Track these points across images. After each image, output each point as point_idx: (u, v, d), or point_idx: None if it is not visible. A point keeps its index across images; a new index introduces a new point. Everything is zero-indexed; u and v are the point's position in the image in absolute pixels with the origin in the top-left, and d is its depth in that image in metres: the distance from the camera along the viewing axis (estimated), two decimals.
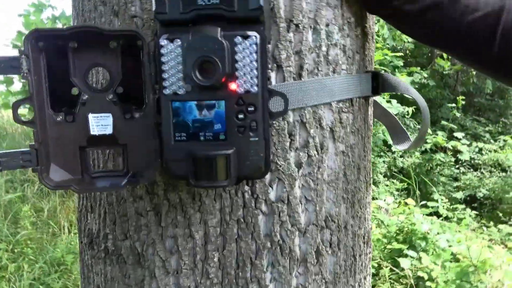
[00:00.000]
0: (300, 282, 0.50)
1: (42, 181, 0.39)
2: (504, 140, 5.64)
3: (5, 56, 0.37)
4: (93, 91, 0.41)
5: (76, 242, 3.57)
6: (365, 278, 0.63)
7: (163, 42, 0.37)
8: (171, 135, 0.38)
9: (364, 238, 0.61)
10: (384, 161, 5.69)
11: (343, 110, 0.52)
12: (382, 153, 5.92)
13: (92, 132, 0.41)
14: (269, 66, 0.45)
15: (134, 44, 0.40)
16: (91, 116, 0.41)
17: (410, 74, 5.79)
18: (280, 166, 0.48)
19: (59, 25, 5.72)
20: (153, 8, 0.37)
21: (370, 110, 0.63)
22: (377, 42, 5.63)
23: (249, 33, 0.36)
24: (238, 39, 0.36)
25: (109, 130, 0.41)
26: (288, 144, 0.48)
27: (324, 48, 0.49)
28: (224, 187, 0.37)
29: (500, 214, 4.36)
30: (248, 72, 0.37)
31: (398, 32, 5.93)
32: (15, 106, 0.38)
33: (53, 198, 4.72)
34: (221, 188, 0.43)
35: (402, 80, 0.59)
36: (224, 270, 0.49)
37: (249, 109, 0.37)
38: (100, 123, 0.41)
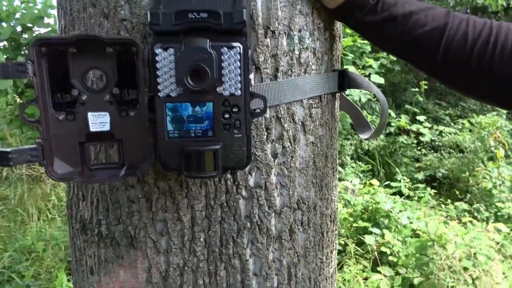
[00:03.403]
0: (276, 256, 0.58)
1: (48, 173, 0.43)
2: (463, 123, 5.97)
3: (13, 62, 0.41)
4: (91, 92, 0.45)
5: (46, 229, 3.51)
6: (331, 252, 0.71)
7: (157, 50, 0.42)
8: (165, 133, 0.43)
9: (331, 217, 0.69)
10: (351, 144, 5.88)
11: (313, 106, 0.59)
12: (349, 136, 6.11)
13: (91, 129, 0.45)
14: (250, 68, 0.51)
15: (128, 49, 0.44)
16: (90, 115, 0.45)
17: (377, 59, 5.96)
18: (258, 156, 0.54)
19: (16, 2, 5.44)
20: (148, 20, 0.42)
21: (337, 104, 0.70)
22: (347, 29, 5.74)
23: (234, 44, 0.41)
24: (224, 49, 0.41)
25: (106, 127, 0.46)
26: (265, 137, 0.55)
27: (297, 52, 0.55)
28: (212, 177, 0.43)
29: (457, 192, 4.65)
30: (232, 78, 0.42)
31: None
32: (22, 107, 0.42)
33: (20, 186, 4.58)
34: (209, 178, 0.49)
35: (365, 78, 0.67)
36: (210, 248, 0.56)
37: (234, 109, 0.43)
38: (98, 121, 0.46)
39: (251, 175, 0.55)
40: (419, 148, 6.10)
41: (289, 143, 0.56)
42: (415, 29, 0.55)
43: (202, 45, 0.40)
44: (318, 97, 0.60)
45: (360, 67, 4.74)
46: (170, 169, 0.45)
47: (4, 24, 5.59)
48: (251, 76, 0.52)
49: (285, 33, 0.54)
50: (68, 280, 2.69)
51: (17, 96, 5.65)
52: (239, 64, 0.42)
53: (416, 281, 2.63)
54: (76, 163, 0.46)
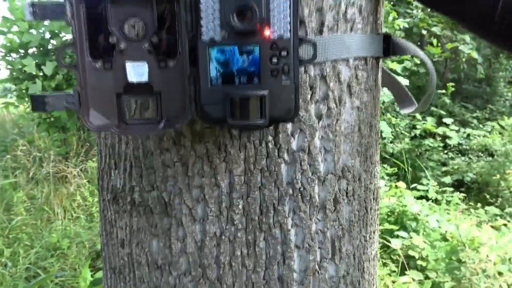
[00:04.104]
0: (319, 228, 0.54)
1: (84, 123, 0.41)
2: (492, 126, 5.77)
3: (53, 3, 0.39)
4: (130, 40, 0.43)
5: (71, 228, 3.57)
6: (374, 232, 0.67)
7: None
8: (208, 80, 0.40)
9: (374, 193, 0.64)
10: None
11: (359, 67, 0.55)
12: None
13: (129, 79, 0.43)
14: None
15: None
16: (128, 64, 0.43)
17: (400, 62, 5.85)
18: (302, 117, 0.51)
19: None
20: None
21: (380, 73, 0.66)
22: None
23: None
24: None
25: (145, 78, 0.43)
26: (309, 96, 0.51)
27: (343, 7, 0.52)
28: (259, 127, 0.40)
29: (487, 196, 4.48)
30: (281, 19, 0.39)
31: (390, 19, 5.99)
32: (60, 51, 0.40)
33: (46, 185, 4.69)
34: (256, 128, 0.45)
35: (411, 43, 0.62)
36: (248, 216, 0.52)
37: (282, 53, 0.40)
38: (136, 71, 0.43)
39: (294, 138, 0.51)
40: (445, 151, 5.93)
41: (334, 105, 0.52)
42: None
43: None
44: (364, 59, 0.56)
45: None
46: (212, 120, 0.41)
47: (33, 31, 5.79)
48: None
49: None
50: (92, 276, 2.70)
51: None
52: (288, 4, 0.39)
53: (447, 286, 2.52)
54: (113, 115, 0.43)
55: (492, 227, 3.31)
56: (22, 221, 3.76)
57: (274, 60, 0.40)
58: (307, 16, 0.49)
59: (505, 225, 3.04)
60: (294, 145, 0.51)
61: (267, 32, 0.39)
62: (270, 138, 0.51)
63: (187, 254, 0.54)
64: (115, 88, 0.43)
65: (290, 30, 0.39)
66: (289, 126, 0.50)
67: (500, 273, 2.50)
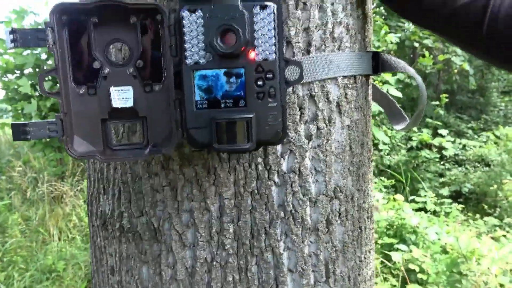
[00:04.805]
0: (312, 250, 0.52)
1: (67, 150, 0.40)
2: (487, 136, 5.80)
3: (32, 29, 0.38)
4: (114, 65, 0.42)
5: (66, 249, 3.52)
6: (369, 252, 0.65)
7: (184, 13, 0.38)
8: (193, 103, 0.40)
9: (368, 212, 0.63)
10: (371, 160, 5.74)
11: (348, 86, 0.55)
12: None
13: (114, 105, 0.42)
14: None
15: (153, 19, 0.41)
16: (112, 89, 0.42)
17: (394, 74, 5.90)
18: (292, 138, 0.50)
19: None
20: None
21: (370, 90, 0.65)
22: None
23: (267, 3, 0.38)
24: (257, 9, 0.38)
25: (130, 103, 0.42)
26: (298, 117, 0.50)
27: (330, 26, 0.52)
28: (245, 151, 0.39)
29: (486, 207, 4.47)
30: (266, 41, 0.39)
31: (382, 34, 6.05)
32: (41, 78, 0.39)
33: (41, 206, 4.64)
34: (242, 152, 0.45)
35: (401, 60, 0.62)
36: (240, 240, 0.51)
37: (268, 75, 0.39)
38: (121, 96, 0.42)
39: (284, 159, 0.50)
40: (442, 162, 5.93)
41: (324, 125, 0.52)
42: (456, 0, 0.51)
43: (233, 3, 0.37)
44: (353, 77, 0.56)
45: (377, 81, 4.69)
46: (198, 145, 0.41)
47: (29, 52, 5.83)
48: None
49: (317, 5, 0.50)
50: None
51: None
52: (273, 25, 0.38)
53: None
54: (98, 142, 0.42)
55: (492, 238, 3.29)
56: (17, 244, 3.70)
57: (260, 82, 0.39)
58: (294, 36, 0.49)
59: (504, 236, 3.02)
60: (284, 166, 0.50)
61: (252, 55, 0.39)
62: (259, 160, 0.50)
63: (177, 281, 0.52)
64: (99, 114, 0.42)
65: (275, 52, 0.39)
66: (279, 147, 0.50)
67: (501, 285, 2.47)
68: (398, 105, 0.74)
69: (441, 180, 5.55)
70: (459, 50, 6.54)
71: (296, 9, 0.49)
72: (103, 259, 0.61)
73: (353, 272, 0.58)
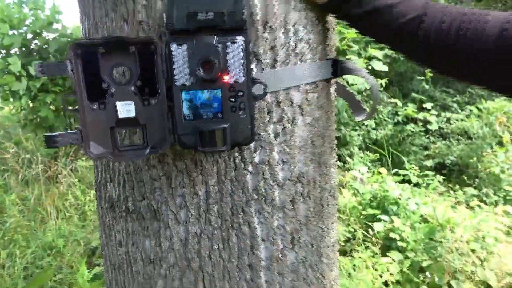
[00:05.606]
0: (281, 224, 0.66)
1: (86, 153, 0.52)
2: (470, 110, 5.95)
3: (56, 61, 0.49)
4: (118, 85, 0.54)
5: (64, 227, 3.63)
6: (332, 224, 0.79)
7: (172, 47, 0.50)
8: (182, 116, 0.52)
9: (330, 191, 0.77)
10: (358, 134, 5.91)
11: (309, 91, 0.67)
12: (357, 127, 6.13)
13: (120, 116, 0.54)
14: (251, 59, 0.59)
15: (148, 47, 0.53)
16: (118, 104, 0.54)
17: (382, 48, 5.97)
18: (262, 136, 0.63)
19: (25, 10, 5.65)
20: (164, 22, 0.50)
21: (333, 89, 0.78)
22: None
23: (237, 38, 0.49)
24: (229, 43, 0.49)
25: (132, 114, 0.54)
26: (267, 119, 0.63)
27: (292, 43, 0.63)
28: (222, 152, 0.51)
29: (466, 178, 4.67)
30: (236, 67, 0.50)
31: None
32: (64, 98, 0.50)
33: (37, 187, 4.72)
34: (221, 152, 0.57)
35: (357, 65, 0.74)
36: (222, 218, 0.65)
37: (238, 94, 0.51)
38: (125, 109, 0.54)
39: (256, 153, 0.63)
40: (427, 136, 6.10)
41: (288, 124, 0.64)
42: (397, 19, 0.62)
43: (210, 41, 0.48)
44: (314, 83, 0.68)
45: (364, 57, 4.77)
46: (187, 147, 0.53)
47: (15, 31, 5.74)
48: (253, 66, 0.60)
49: (281, 27, 0.62)
50: (89, 273, 2.81)
51: (30, 101, 5.79)
52: (241, 55, 0.50)
53: (424, 264, 2.69)
54: (108, 145, 0.54)
55: (468, 207, 3.50)
56: (16, 223, 3.81)
57: (233, 99, 0.51)
58: (262, 54, 0.61)
59: (478, 205, 3.22)
60: (256, 159, 0.63)
61: (226, 78, 0.51)
62: (237, 154, 0.62)
63: (174, 250, 0.66)
64: (108, 123, 0.54)
65: (244, 75, 0.51)
66: (252, 144, 0.62)
67: (473, 251, 2.68)
68: (359, 99, 0.86)
69: (426, 153, 5.72)
70: None
71: (264, 32, 0.60)
72: (111, 235, 0.74)
73: (315, 241, 0.72)
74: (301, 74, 0.65)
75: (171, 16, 0.50)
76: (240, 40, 0.50)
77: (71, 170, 5.05)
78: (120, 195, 0.69)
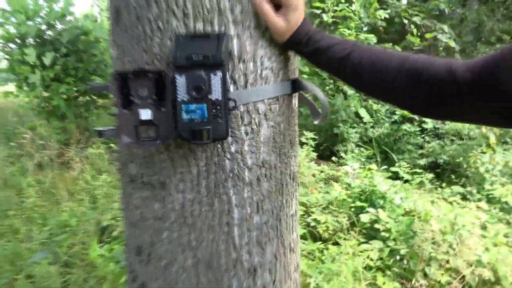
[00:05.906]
0: (249, 195, 0.95)
1: (120, 142, 0.82)
2: None
3: (102, 84, 0.78)
4: (141, 98, 0.83)
5: (77, 208, 3.93)
6: (291, 199, 1.08)
7: (176, 76, 0.79)
8: (181, 120, 0.81)
9: (290, 176, 1.06)
10: (356, 132, 6.14)
11: (272, 103, 0.95)
12: (355, 125, 6.36)
13: (141, 118, 0.83)
14: (229, 82, 0.88)
15: (160, 76, 0.82)
16: (140, 110, 0.83)
17: (377, 41, 6.20)
18: (236, 134, 0.92)
19: (40, 1, 5.94)
20: (171, 59, 0.79)
21: (294, 100, 1.06)
22: (352, 21, 6.00)
23: (217, 72, 0.78)
24: (212, 75, 0.78)
25: (149, 117, 0.83)
26: (240, 122, 0.91)
27: (259, 71, 0.92)
28: (207, 144, 0.80)
29: (453, 177, 4.91)
30: (217, 89, 0.79)
31: (372, 10, 6.30)
32: (111, 110, 0.79)
33: (51, 171, 5.03)
34: (206, 144, 0.86)
35: (311, 84, 1.02)
36: (208, 189, 0.94)
37: (218, 107, 0.80)
38: (145, 114, 0.83)
39: (233, 145, 0.92)
40: (422, 135, 6.33)
41: (255, 126, 0.93)
42: (333, 57, 0.90)
43: (200, 74, 0.77)
44: (276, 97, 0.96)
45: None
46: (184, 139, 0.82)
47: (31, 22, 6.03)
48: (231, 86, 0.89)
49: (252, 59, 0.90)
50: (100, 248, 3.12)
51: (44, 90, 6.07)
52: (220, 82, 0.79)
53: (402, 252, 2.97)
54: (134, 137, 0.84)
55: (448, 203, 3.76)
56: (33, 203, 4.13)
57: (214, 110, 0.80)
58: (237, 78, 0.90)
59: (456, 201, 3.48)
60: (233, 149, 0.92)
61: (210, 97, 0.79)
62: (219, 145, 0.92)
63: (175, 211, 0.96)
64: (134, 123, 0.84)
65: (222, 95, 0.80)
66: (230, 139, 0.91)
67: (444, 240, 2.95)
68: (316, 106, 1.15)
69: (420, 151, 5.96)
70: (446, 28, 6.76)
71: (239, 63, 0.89)
72: (130, 201, 1.04)
73: (276, 210, 1.01)
74: (266, 92, 0.93)
75: (175, 56, 0.79)
76: (219, 73, 0.79)
77: (82, 157, 5.36)
78: (138, 172, 0.99)
